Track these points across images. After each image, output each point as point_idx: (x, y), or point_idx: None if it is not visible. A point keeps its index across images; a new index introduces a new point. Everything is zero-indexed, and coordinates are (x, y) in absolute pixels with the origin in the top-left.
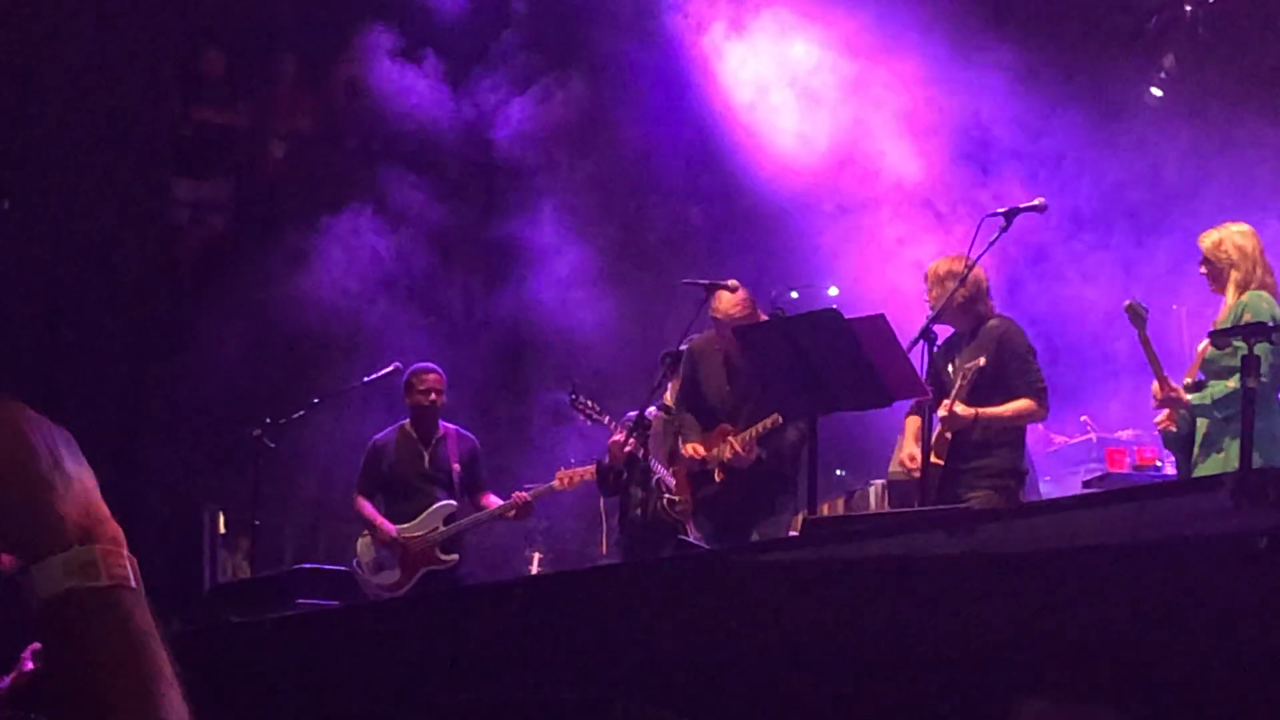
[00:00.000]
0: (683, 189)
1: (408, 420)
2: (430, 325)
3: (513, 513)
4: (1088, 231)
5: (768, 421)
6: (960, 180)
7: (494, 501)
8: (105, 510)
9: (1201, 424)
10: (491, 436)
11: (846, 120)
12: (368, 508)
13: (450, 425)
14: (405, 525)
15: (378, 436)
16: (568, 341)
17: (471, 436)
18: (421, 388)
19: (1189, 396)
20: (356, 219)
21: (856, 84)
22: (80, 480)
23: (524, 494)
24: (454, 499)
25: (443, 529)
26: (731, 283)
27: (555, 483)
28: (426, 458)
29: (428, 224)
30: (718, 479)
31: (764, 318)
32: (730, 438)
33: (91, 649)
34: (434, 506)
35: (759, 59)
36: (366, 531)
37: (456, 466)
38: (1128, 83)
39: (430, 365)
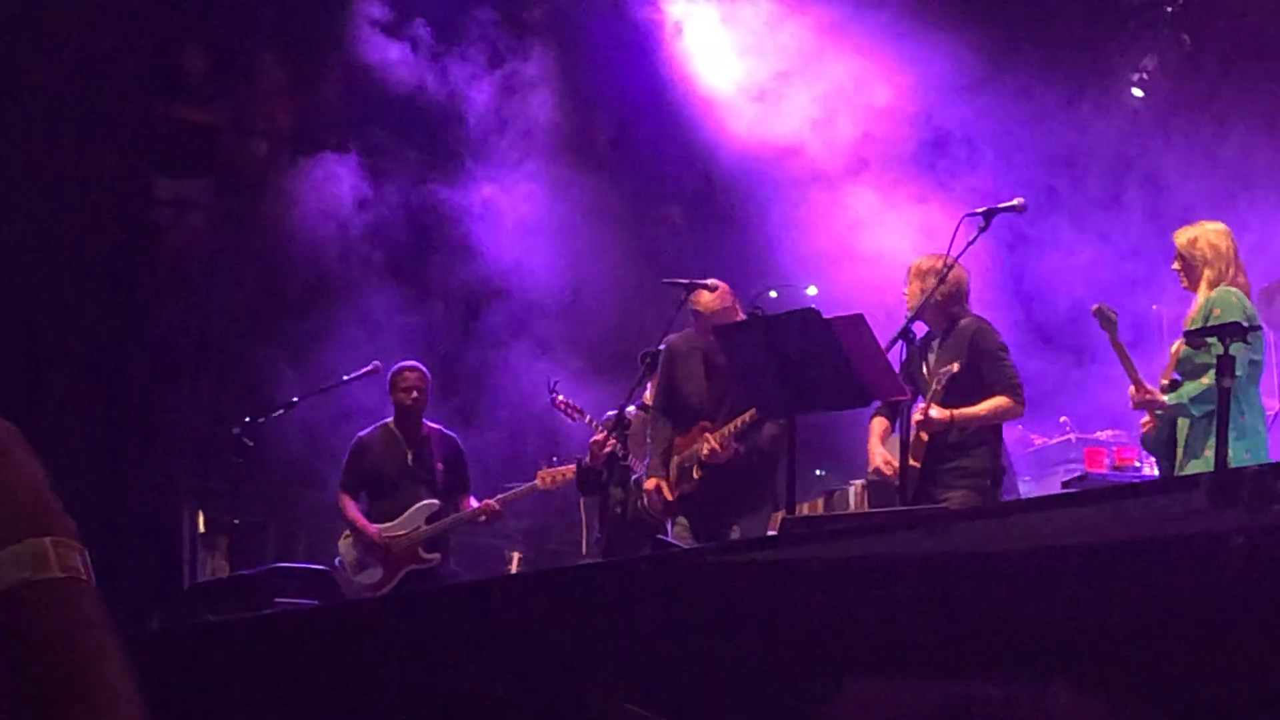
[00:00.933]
0: (656, 167)
1: (391, 419)
2: (410, 310)
3: (483, 518)
4: (1068, 231)
5: (745, 416)
6: (931, 170)
7: (473, 503)
8: (56, 502)
9: (1183, 426)
10: (461, 407)
11: (818, 106)
12: (351, 507)
13: (433, 424)
14: (388, 524)
15: (361, 434)
16: (536, 309)
17: (454, 436)
18: (403, 386)
19: (1165, 397)
20: (333, 205)
21: (831, 71)
22: (30, 472)
23: (492, 502)
24: (437, 498)
25: (425, 528)
26: (711, 282)
27: (537, 482)
28: (410, 456)
29: (405, 203)
30: (696, 476)
31: (741, 315)
32: (708, 434)
33: (44, 640)
34: (417, 505)
35: (730, 44)
36: (349, 531)
37: (440, 466)
38: (1114, 84)
39: (412, 364)
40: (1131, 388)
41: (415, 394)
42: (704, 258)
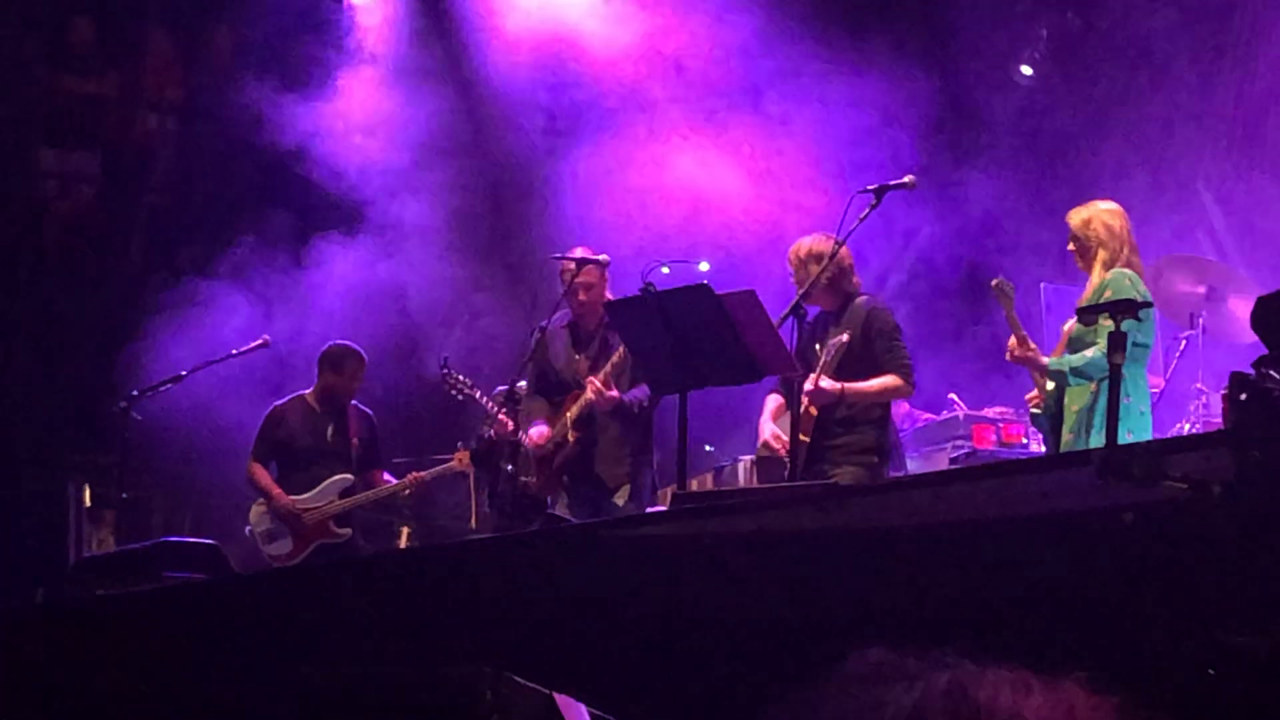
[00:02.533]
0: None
1: (310, 391)
2: (294, 291)
3: (407, 492)
4: (957, 206)
5: (615, 357)
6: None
7: (388, 478)
8: None
9: (1069, 402)
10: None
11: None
12: (264, 475)
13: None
14: (301, 496)
15: (278, 404)
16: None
17: (369, 412)
18: (350, 373)
19: (1045, 360)
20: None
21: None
22: None
23: (421, 474)
24: (351, 473)
25: (339, 502)
26: (603, 258)
27: (454, 462)
28: (330, 431)
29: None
30: (571, 438)
31: (609, 295)
32: (589, 379)
33: None
34: (331, 479)
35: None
36: (262, 499)
37: (355, 441)
38: (1006, 61)
39: (356, 347)
40: (1012, 339)
41: (356, 383)
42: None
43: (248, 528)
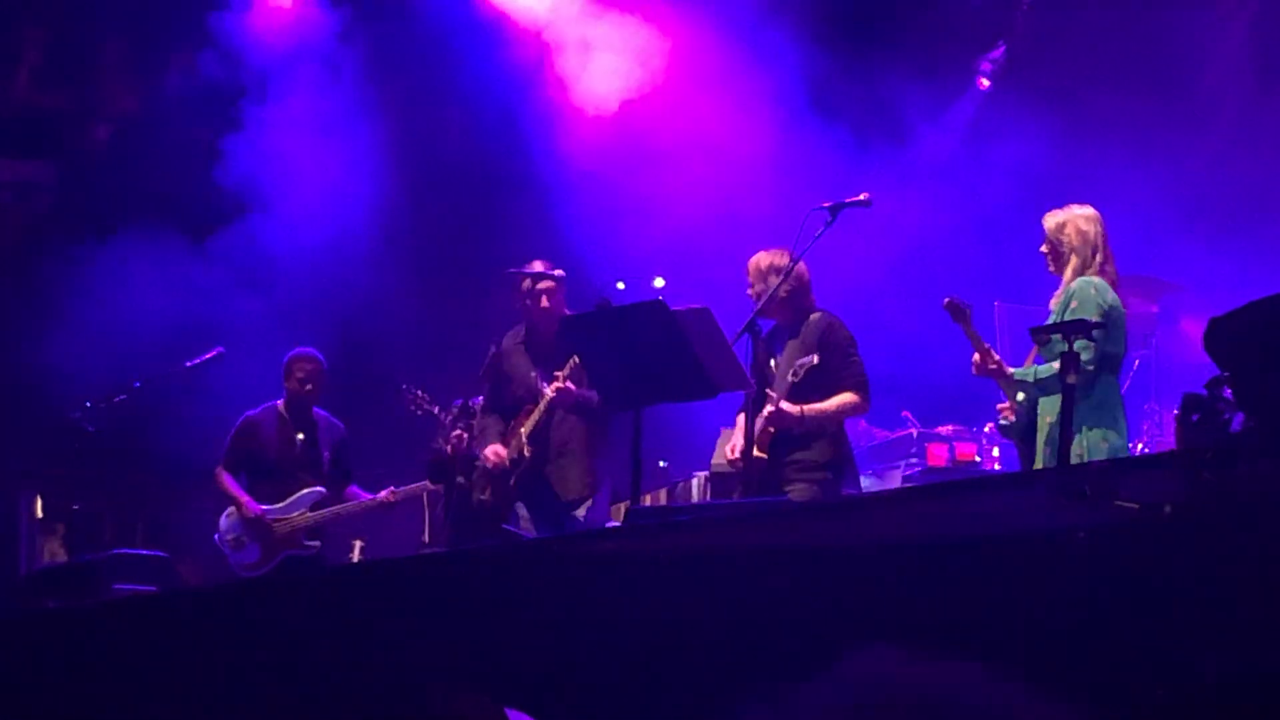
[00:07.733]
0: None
1: (281, 401)
2: (261, 305)
3: (375, 508)
4: (910, 223)
5: (571, 362)
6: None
7: (358, 494)
8: None
9: (1042, 413)
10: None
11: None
12: (232, 483)
13: (321, 411)
14: (271, 507)
15: (250, 413)
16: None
17: (340, 425)
18: (299, 375)
19: (1011, 370)
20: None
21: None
22: None
23: (386, 494)
24: (322, 486)
25: (310, 514)
26: (558, 272)
27: (429, 482)
28: (300, 442)
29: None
30: (526, 454)
31: (566, 310)
32: (556, 375)
33: None
34: (303, 491)
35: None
36: (233, 508)
37: (326, 454)
38: (959, 74)
39: (310, 352)
40: (976, 355)
41: (309, 385)
42: None
43: (216, 533)
